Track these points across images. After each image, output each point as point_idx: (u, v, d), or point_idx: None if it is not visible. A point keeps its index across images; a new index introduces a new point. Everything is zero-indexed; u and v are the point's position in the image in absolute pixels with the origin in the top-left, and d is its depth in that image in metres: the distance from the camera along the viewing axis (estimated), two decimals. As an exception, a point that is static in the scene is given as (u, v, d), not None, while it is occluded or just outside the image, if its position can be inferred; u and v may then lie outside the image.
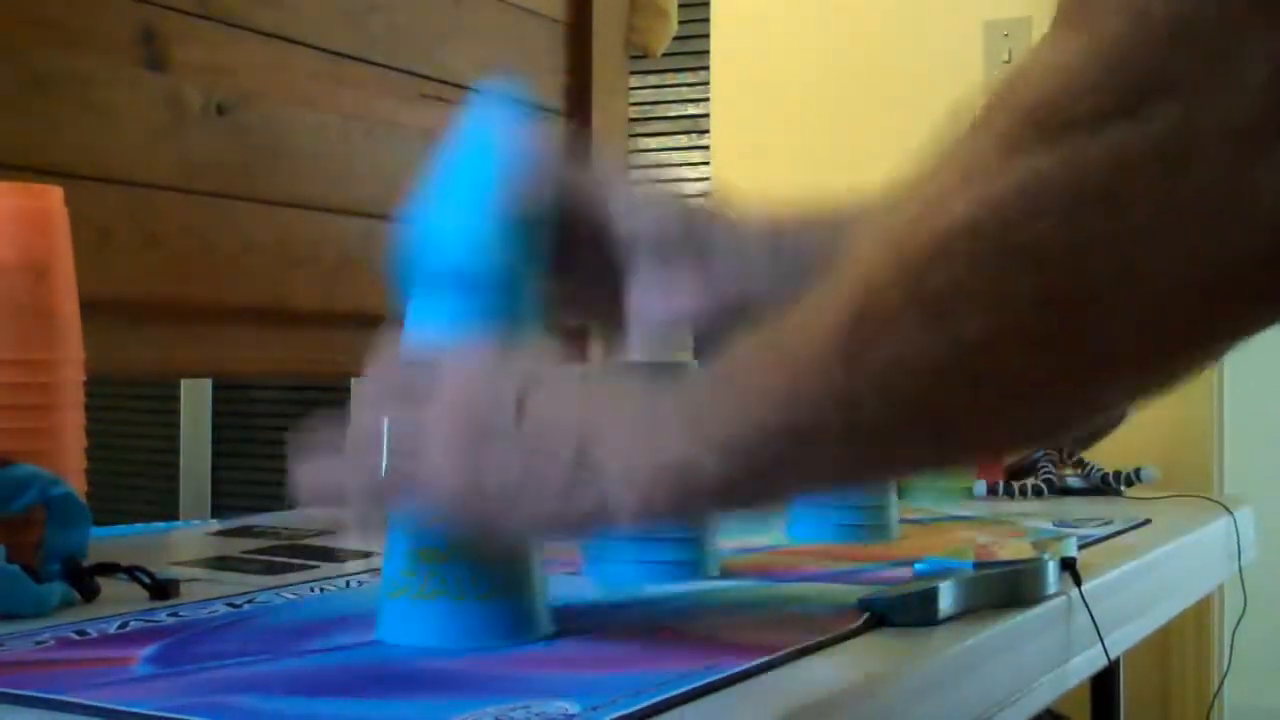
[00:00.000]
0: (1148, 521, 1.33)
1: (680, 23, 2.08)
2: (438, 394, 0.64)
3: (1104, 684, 1.69)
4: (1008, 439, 0.58)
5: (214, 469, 3.54)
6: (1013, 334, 0.48)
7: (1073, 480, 1.63)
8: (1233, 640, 1.64)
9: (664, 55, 2.12)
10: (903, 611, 0.79)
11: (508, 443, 0.61)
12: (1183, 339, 0.48)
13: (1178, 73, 0.43)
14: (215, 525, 1.24)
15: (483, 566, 0.71)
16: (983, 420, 0.52)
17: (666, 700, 0.61)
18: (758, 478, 0.57)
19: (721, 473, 0.57)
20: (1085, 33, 0.45)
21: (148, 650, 0.71)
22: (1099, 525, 1.27)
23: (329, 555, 1.04)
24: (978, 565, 0.87)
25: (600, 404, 0.62)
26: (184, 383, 3.38)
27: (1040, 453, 1.63)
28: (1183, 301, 0.46)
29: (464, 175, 0.77)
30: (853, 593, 0.83)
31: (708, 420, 0.57)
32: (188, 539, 1.23)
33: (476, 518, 0.64)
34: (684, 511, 0.64)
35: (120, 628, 0.76)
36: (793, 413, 0.53)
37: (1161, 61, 0.44)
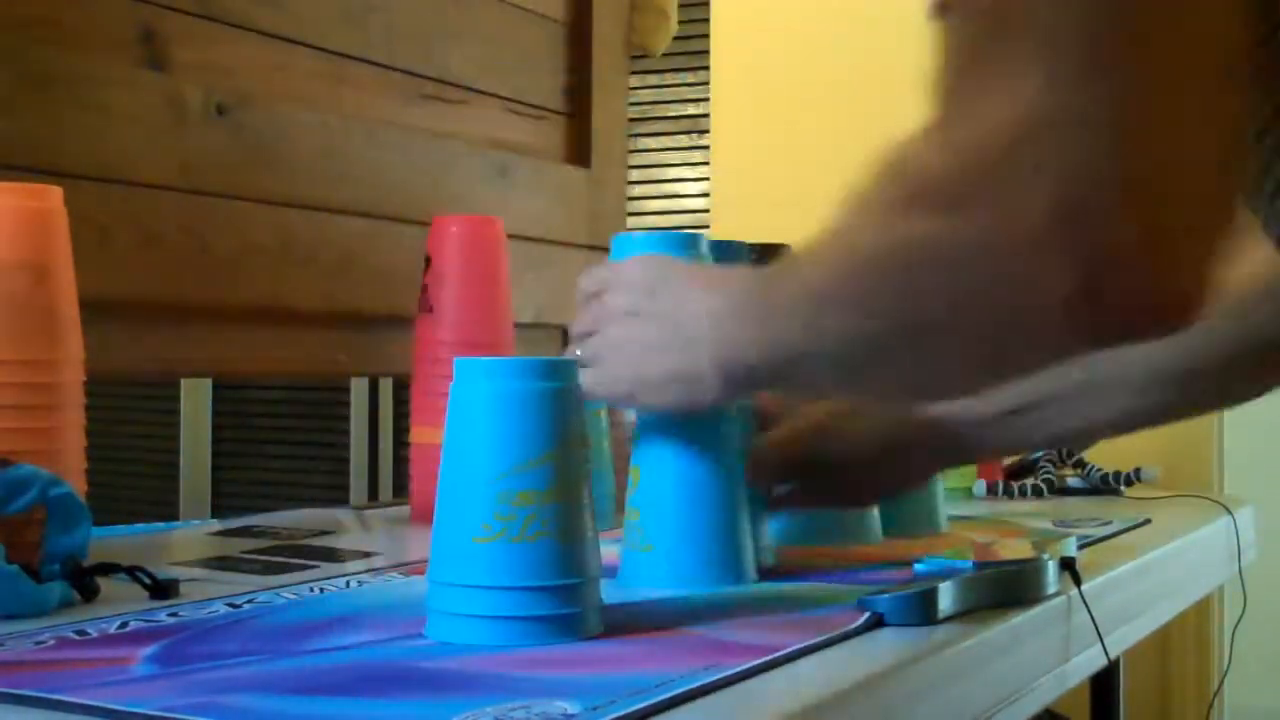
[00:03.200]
0: (1148, 521, 1.33)
1: (680, 23, 2.08)
2: (611, 287, 0.90)
3: (1104, 684, 1.69)
4: (916, 389, 0.83)
5: (214, 469, 3.53)
6: (897, 331, 0.71)
7: (1073, 480, 1.63)
8: (1233, 640, 1.64)
9: (664, 55, 2.12)
10: (903, 611, 0.79)
11: (648, 318, 0.87)
12: (1003, 355, 0.71)
13: (990, 194, 0.63)
14: (215, 525, 1.24)
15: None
16: (896, 371, 0.76)
17: (666, 700, 0.61)
18: (776, 374, 0.83)
19: (759, 365, 0.82)
20: (942, 148, 0.65)
21: (148, 650, 0.71)
22: (1099, 525, 1.27)
23: (329, 555, 1.04)
24: (978, 565, 0.87)
25: (707, 295, 0.85)
26: (184, 383, 3.38)
27: (1040, 453, 1.63)
28: (1000, 332, 0.68)
29: None
30: (853, 593, 0.83)
31: (747, 333, 0.82)
32: (188, 539, 1.23)
33: (623, 381, 0.88)
34: (741, 389, 0.87)
35: (120, 628, 0.76)
36: (783, 344, 0.79)
37: (982, 184, 0.63)
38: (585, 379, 0.89)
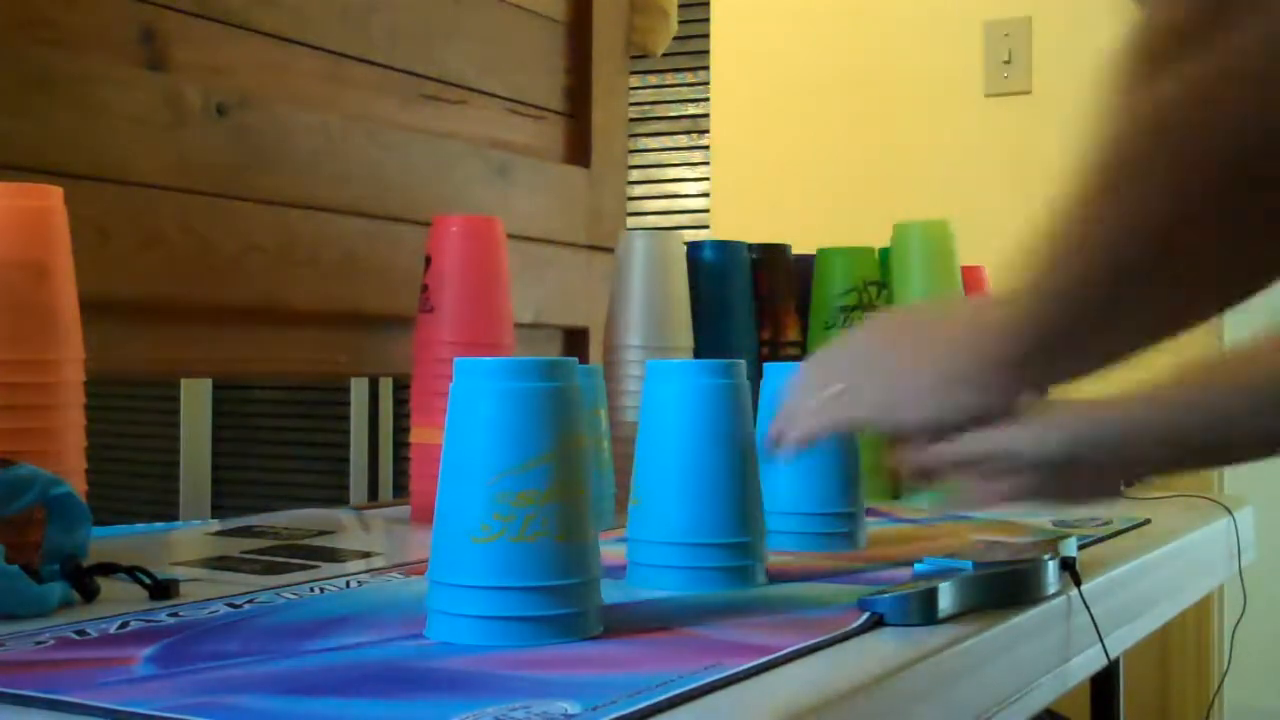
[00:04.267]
0: (1148, 521, 1.33)
1: (680, 23, 2.08)
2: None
3: (1104, 684, 1.69)
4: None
5: (214, 469, 3.54)
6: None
7: (1073, 480, 1.63)
8: (1233, 640, 1.64)
9: (664, 55, 2.12)
10: (903, 611, 0.79)
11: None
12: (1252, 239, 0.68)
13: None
14: (215, 525, 1.24)
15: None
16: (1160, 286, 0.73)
17: (666, 700, 0.61)
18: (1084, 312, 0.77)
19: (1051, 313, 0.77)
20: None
21: (148, 650, 0.71)
22: (1099, 525, 1.27)
23: (329, 555, 1.04)
24: (978, 565, 0.87)
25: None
26: (184, 383, 3.38)
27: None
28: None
29: None
30: (853, 593, 0.83)
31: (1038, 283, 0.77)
32: (188, 539, 1.23)
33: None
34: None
35: (120, 628, 0.76)
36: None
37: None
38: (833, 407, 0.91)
